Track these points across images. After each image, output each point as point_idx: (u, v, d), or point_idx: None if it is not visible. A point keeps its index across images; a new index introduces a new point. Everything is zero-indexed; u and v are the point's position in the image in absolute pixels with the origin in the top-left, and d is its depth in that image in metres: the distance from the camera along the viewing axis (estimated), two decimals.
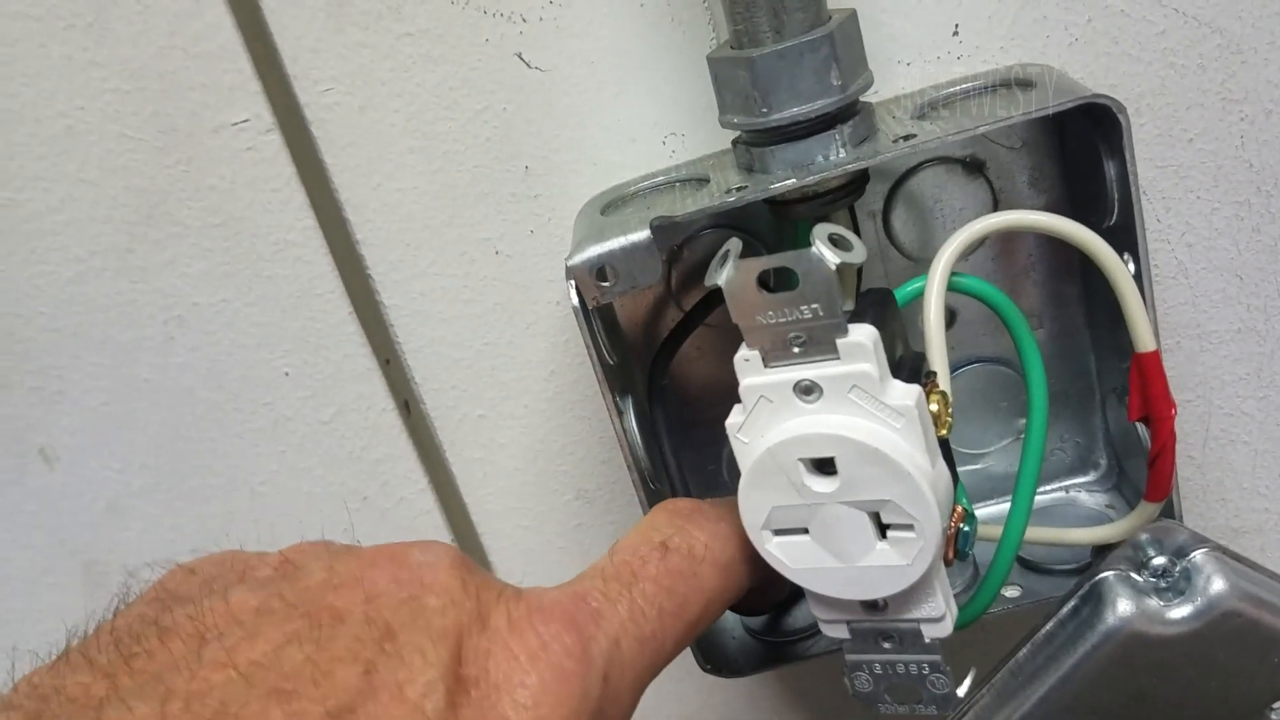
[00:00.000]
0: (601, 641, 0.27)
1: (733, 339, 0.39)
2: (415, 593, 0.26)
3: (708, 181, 0.36)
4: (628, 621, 0.28)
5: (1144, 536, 0.34)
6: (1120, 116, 0.31)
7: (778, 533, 0.31)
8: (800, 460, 0.30)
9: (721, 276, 0.29)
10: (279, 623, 0.24)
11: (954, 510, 0.31)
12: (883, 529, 0.30)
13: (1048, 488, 0.42)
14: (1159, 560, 0.34)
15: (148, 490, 0.45)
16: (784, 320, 0.29)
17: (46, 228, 0.41)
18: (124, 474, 0.45)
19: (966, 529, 0.31)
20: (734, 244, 0.30)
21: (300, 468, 0.44)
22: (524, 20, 0.37)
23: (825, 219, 0.36)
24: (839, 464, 0.29)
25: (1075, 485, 0.42)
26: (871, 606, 0.32)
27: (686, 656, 0.38)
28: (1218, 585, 0.33)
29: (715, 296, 0.38)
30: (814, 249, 0.28)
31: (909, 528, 0.30)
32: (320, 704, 0.22)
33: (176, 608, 0.25)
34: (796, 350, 0.29)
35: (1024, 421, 0.42)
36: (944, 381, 0.31)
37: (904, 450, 0.29)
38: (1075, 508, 0.42)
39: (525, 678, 0.25)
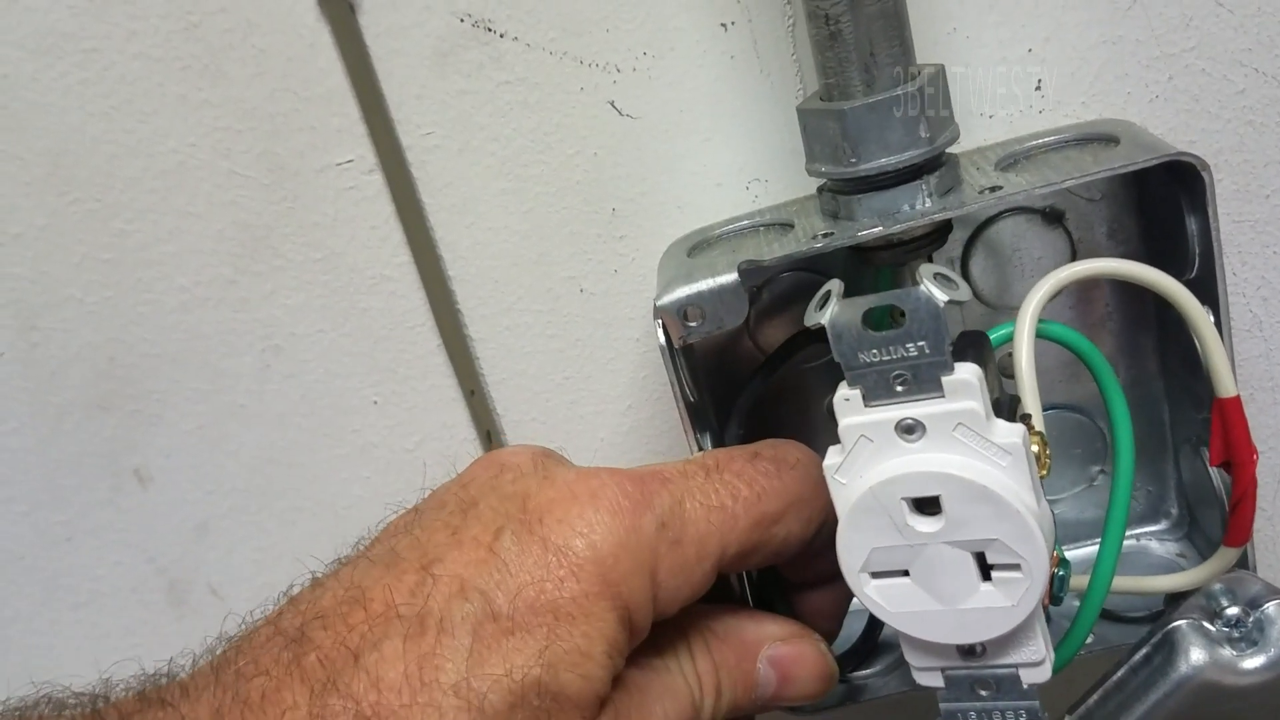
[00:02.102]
0: (664, 497, 0.30)
1: (810, 377, 0.40)
2: (496, 473, 0.32)
3: (792, 226, 0.37)
4: (696, 490, 0.31)
5: (1217, 586, 0.34)
6: (1204, 174, 0.32)
7: (876, 575, 0.32)
8: (904, 499, 0.30)
9: (825, 316, 0.30)
10: (406, 524, 0.32)
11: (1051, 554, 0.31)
12: (986, 570, 0.30)
13: None
14: (1232, 610, 0.34)
15: (237, 512, 0.46)
16: (888, 359, 0.30)
17: (154, 258, 0.43)
18: (214, 495, 0.46)
19: (1061, 574, 0.32)
20: (836, 285, 0.31)
21: (384, 493, 0.46)
22: (618, 70, 0.39)
23: (905, 265, 0.37)
24: (944, 503, 0.30)
25: (1146, 534, 0.43)
26: (969, 652, 0.32)
27: None
28: None
29: (798, 340, 0.40)
30: (922, 287, 0.29)
31: (1015, 568, 0.30)
32: (418, 562, 0.29)
33: (360, 544, 0.32)
34: (899, 389, 0.30)
35: (1098, 469, 0.42)
36: (1039, 423, 0.31)
37: (1011, 488, 0.29)
38: (1146, 556, 0.42)
39: (583, 511, 0.29)
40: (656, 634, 0.31)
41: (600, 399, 0.44)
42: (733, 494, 0.31)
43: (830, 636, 0.37)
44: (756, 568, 0.37)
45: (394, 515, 0.33)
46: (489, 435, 0.45)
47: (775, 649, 0.34)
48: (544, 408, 0.44)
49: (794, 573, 0.36)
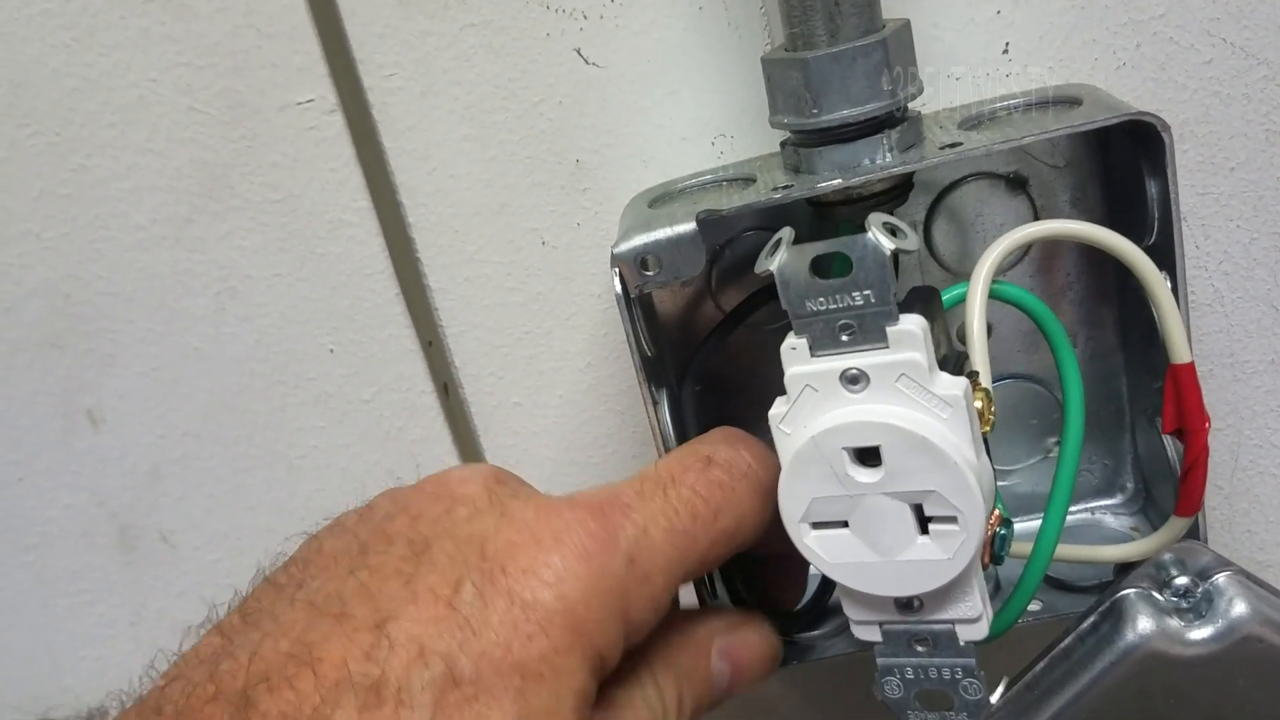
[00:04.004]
0: (628, 529, 0.29)
1: (769, 340, 0.40)
2: (449, 507, 0.29)
3: (754, 181, 0.37)
4: (658, 514, 0.30)
5: (1167, 556, 0.34)
6: (1164, 135, 0.32)
7: (816, 526, 0.31)
8: (844, 449, 0.30)
9: (774, 262, 0.30)
10: (349, 558, 0.29)
11: (993, 512, 0.31)
12: (924, 523, 0.30)
13: (1074, 509, 0.42)
14: (1181, 580, 0.34)
15: (189, 457, 0.46)
16: (834, 307, 0.30)
17: (111, 194, 0.42)
18: (167, 439, 0.46)
19: (1004, 533, 0.31)
20: (786, 232, 0.31)
21: (339, 444, 0.45)
22: (585, 17, 0.38)
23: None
24: (884, 454, 0.29)
25: (1101, 507, 0.42)
26: (906, 606, 0.32)
27: None
28: (1239, 609, 0.33)
29: (758, 297, 0.39)
30: (869, 235, 0.29)
31: (951, 520, 0.30)
32: (371, 617, 0.26)
33: (290, 566, 0.30)
34: (845, 339, 0.30)
35: (1054, 440, 0.42)
36: (986, 380, 0.31)
37: (950, 441, 0.29)
38: (1100, 529, 0.42)
39: (549, 558, 0.28)
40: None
41: (560, 355, 0.44)
42: (691, 513, 0.30)
43: (793, 603, 0.37)
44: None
45: (324, 528, 0.31)
46: (446, 388, 0.45)
47: (723, 640, 0.33)
48: (503, 362, 0.44)
49: (753, 547, 0.36)
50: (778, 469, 0.32)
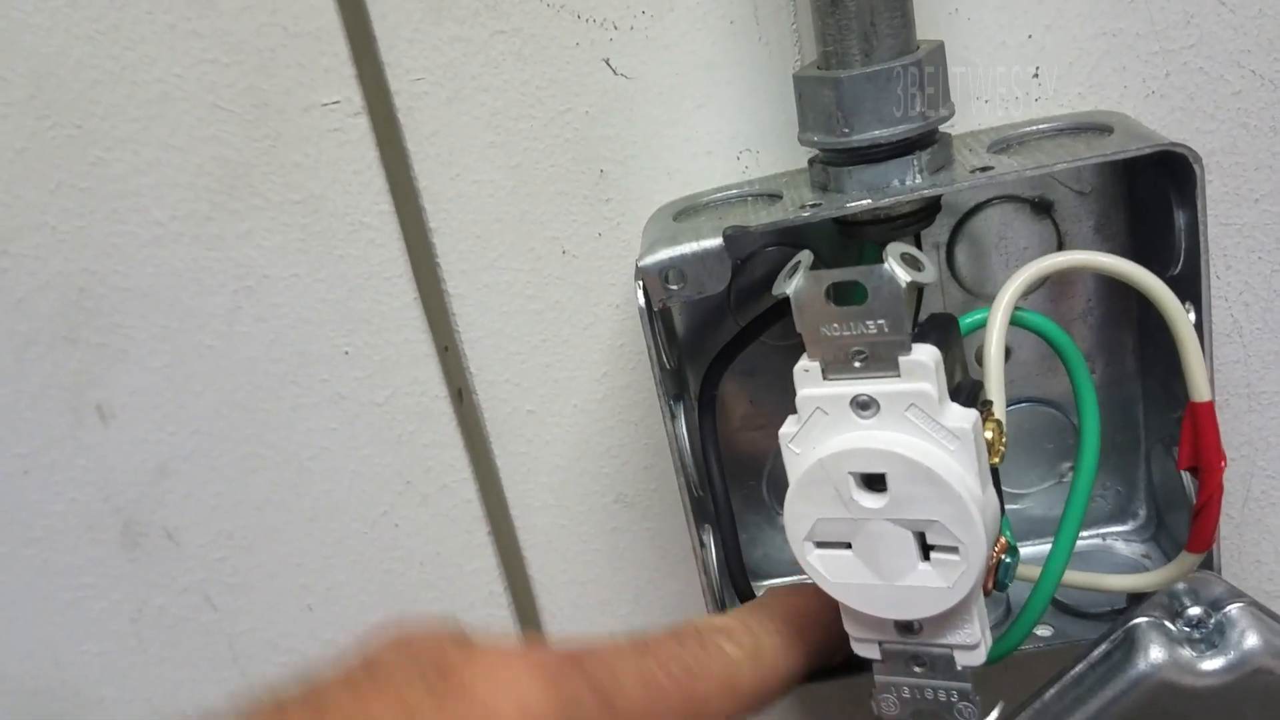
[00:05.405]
0: (592, 668, 0.29)
1: (785, 357, 0.40)
2: (404, 643, 0.28)
3: (780, 197, 0.37)
4: (629, 663, 0.30)
5: (1181, 586, 0.34)
6: (1195, 166, 0.32)
7: (820, 545, 0.32)
8: (851, 474, 0.30)
9: (791, 286, 0.30)
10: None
11: (998, 540, 0.31)
12: (926, 550, 0.30)
13: (1085, 534, 0.42)
14: (1194, 610, 0.34)
15: (198, 455, 0.46)
16: (848, 334, 0.30)
17: (130, 189, 0.42)
18: (177, 437, 0.45)
19: (1008, 560, 0.32)
20: (805, 255, 0.31)
21: (349, 446, 0.45)
22: (615, 27, 0.38)
23: (891, 242, 0.36)
24: (889, 481, 0.30)
25: (1113, 533, 0.43)
26: (906, 628, 0.32)
27: None
28: (1251, 640, 0.33)
29: (775, 311, 0.39)
30: (886, 265, 0.29)
31: (953, 550, 0.30)
32: None
33: None
34: (857, 365, 0.30)
35: (1068, 465, 0.42)
36: (1000, 411, 0.31)
37: (956, 472, 0.29)
38: (1111, 555, 0.42)
39: (513, 673, 0.27)
40: None
41: (576, 364, 0.43)
42: (666, 673, 0.31)
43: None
44: None
45: None
46: (460, 394, 0.45)
47: None
48: (519, 369, 0.44)
49: None
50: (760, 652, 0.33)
